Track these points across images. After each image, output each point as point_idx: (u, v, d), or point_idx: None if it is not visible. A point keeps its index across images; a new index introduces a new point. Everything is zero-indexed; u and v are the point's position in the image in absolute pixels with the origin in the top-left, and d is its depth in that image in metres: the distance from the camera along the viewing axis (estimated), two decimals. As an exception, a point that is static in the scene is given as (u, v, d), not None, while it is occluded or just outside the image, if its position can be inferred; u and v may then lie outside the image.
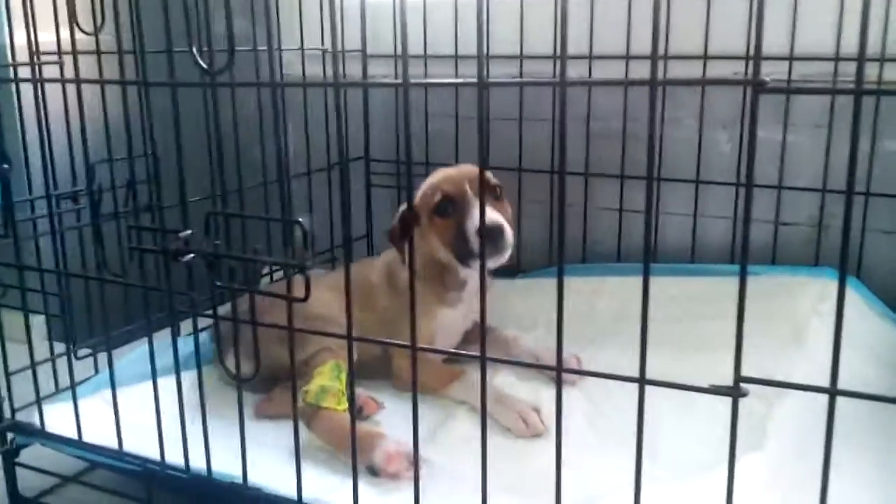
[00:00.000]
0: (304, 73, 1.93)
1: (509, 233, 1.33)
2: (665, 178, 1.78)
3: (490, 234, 1.28)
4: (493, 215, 1.32)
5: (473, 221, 1.33)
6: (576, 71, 1.82)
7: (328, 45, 1.92)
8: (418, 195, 1.45)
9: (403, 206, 1.48)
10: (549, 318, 1.73)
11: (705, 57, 1.69)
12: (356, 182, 2.03)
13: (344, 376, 1.28)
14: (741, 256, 0.72)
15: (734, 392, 0.73)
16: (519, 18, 1.82)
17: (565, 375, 0.81)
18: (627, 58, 1.75)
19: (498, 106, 1.90)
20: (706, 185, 1.77)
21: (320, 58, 1.93)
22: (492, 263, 1.32)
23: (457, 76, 1.88)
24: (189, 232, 0.89)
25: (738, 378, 0.73)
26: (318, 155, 1.88)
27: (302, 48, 1.88)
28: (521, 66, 1.84)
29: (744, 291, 0.72)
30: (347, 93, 2.02)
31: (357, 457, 1.16)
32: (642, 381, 0.76)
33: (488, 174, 1.44)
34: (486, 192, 1.38)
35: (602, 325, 1.66)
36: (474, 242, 1.33)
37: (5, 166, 0.92)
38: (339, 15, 1.89)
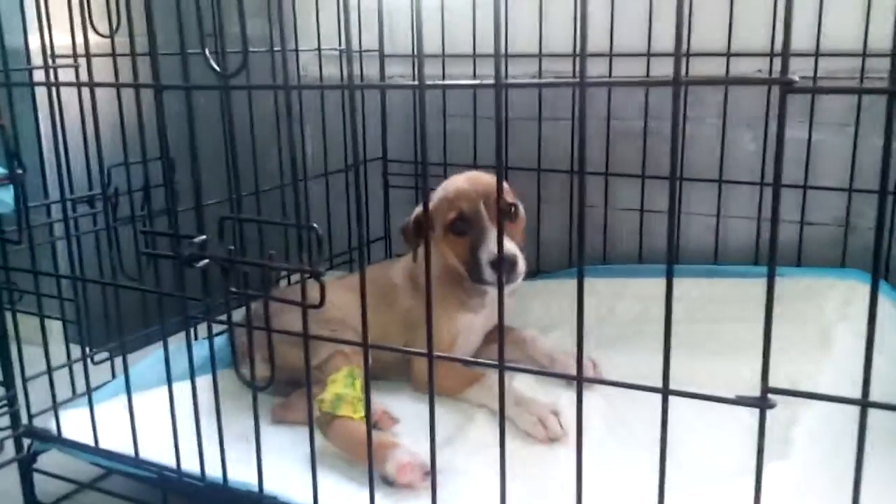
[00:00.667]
0: (321, 74, 1.92)
1: (521, 264, 1.33)
2: (687, 177, 1.75)
3: (507, 263, 1.29)
4: (507, 245, 1.31)
5: (487, 250, 1.33)
6: (596, 69, 1.79)
7: (345, 46, 1.91)
8: (434, 200, 1.43)
9: (419, 208, 1.46)
10: (568, 319, 1.71)
11: (728, 54, 1.66)
12: (374, 183, 2.02)
13: (358, 383, 1.27)
14: (769, 261, 0.69)
15: (762, 403, 0.71)
16: (537, 16, 1.80)
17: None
18: (648, 55, 1.72)
19: (516, 105, 1.88)
20: (729, 184, 1.74)
21: (338, 58, 1.92)
22: (508, 289, 1.31)
23: (475, 75, 1.86)
24: (203, 237, 0.88)
25: (766, 389, 0.71)
26: (336, 155, 1.87)
27: (319, 49, 1.87)
28: (539, 64, 1.82)
29: (771, 297, 0.70)
30: (365, 93, 2.01)
31: (364, 464, 1.15)
32: (666, 391, 0.74)
33: (504, 187, 1.42)
34: (505, 212, 1.39)
35: (622, 328, 1.63)
36: (486, 272, 1.34)
37: (20, 171, 0.91)
38: (354, 15, 1.91)
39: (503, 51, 0.74)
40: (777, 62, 1.61)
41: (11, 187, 0.93)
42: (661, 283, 1.67)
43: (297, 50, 1.92)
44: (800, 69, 1.59)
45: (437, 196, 1.44)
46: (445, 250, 1.42)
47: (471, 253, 1.36)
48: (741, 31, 1.66)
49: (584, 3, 0.70)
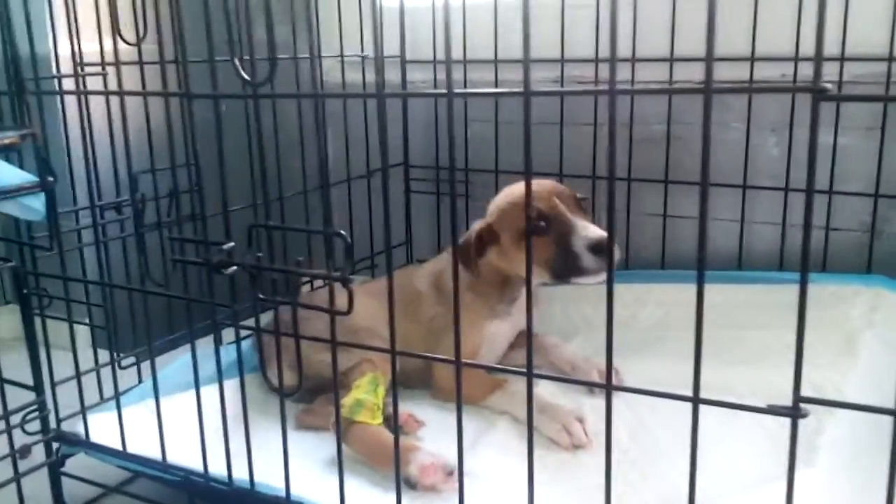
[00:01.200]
0: (343, 81, 1.93)
1: (617, 249, 1.31)
2: (712, 182, 1.73)
3: (605, 248, 1.26)
4: (599, 230, 1.31)
5: (581, 237, 1.31)
6: (618, 74, 1.79)
7: (367, 52, 1.92)
8: (494, 213, 1.43)
9: (478, 223, 1.45)
10: (589, 325, 1.71)
11: (752, 59, 1.65)
12: (394, 188, 2.02)
13: (381, 390, 1.27)
14: (801, 268, 0.69)
15: (794, 413, 0.70)
16: (559, 20, 1.79)
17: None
18: (672, 60, 1.71)
19: (538, 110, 1.87)
20: (753, 189, 1.73)
21: (359, 64, 1.93)
22: (601, 277, 1.30)
23: (496, 81, 1.85)
24: (232, 244, 0.88)
25: (798, 399, 0.70)
26: (355, 160, 1.87)
27: (342, 55, 1.88)
28: (562, 70, 1.81)
29: (804, 305, 0.70)
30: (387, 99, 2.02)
31: (392, 469, 1.15)
32: (696, 399, 0.73)
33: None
34: (577, 205, 1.39)
35: (645, 334, 1.63)
36: (585, 259, 1.31)
37: (51, 179, 0.92)
38: (378, 22, 1.91)
39: (530, 58, 0.73)
40: (802, 66, 1.60)
41: (42, 195, 0.94)
42: (683, 288, 1.68)
43: (320, 56, 1.92)
44: (825, 74, 1.58)
45: (499, 206, 1.43)
46: (515, 255, 1.40)
47: (560, 247, 1.34)
48: (764, 35, 1.65)
49: (615, 10, 0.70)
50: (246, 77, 0.88)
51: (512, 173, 1.83)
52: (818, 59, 0.65)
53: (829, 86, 0.64)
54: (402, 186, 2.02)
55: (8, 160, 0.99)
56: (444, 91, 0.79)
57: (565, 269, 1.34)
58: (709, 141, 0.71)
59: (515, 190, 1.44)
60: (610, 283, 0.76)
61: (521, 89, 0.76)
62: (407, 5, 1.89)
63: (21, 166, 1.01)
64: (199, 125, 0.97)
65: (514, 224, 1.39)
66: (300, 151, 1.67)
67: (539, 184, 1.41)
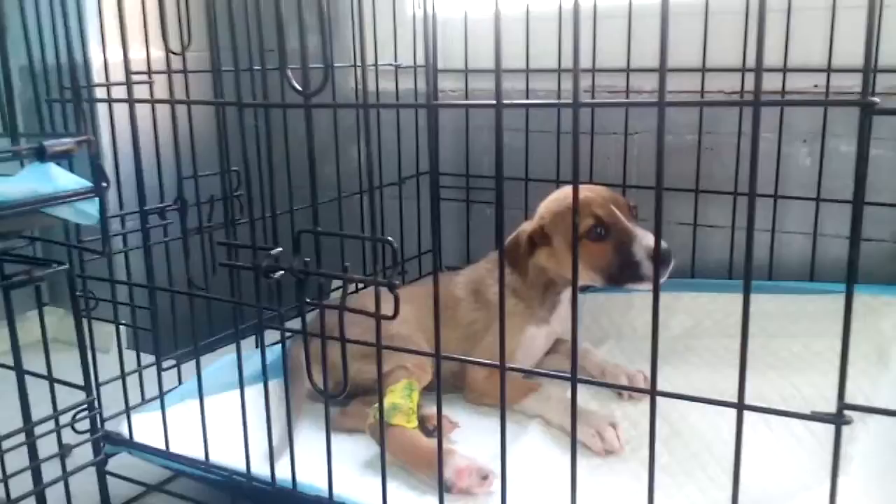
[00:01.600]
0: (376, 91, 1.95)
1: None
2: (742, 192, 1.74)
3: (664, 256, 1.32)
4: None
5: (641, 246, 1.35)
6: (648, 84, 1.80)
7: (400, 61, 1.94)
8: (547, 216, 1.46)
9: (524, 225, 1.48)
10: (618, 332, 1.72)
11: (784, 70, 1.65)
12: (421, 196, 2.03)
13: (416, 395, 1.29)
14: (847, 279, 0.71)
15: (838, 420, 0.71)
16: (591, 31, 1.80)
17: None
18: (703, 70, 1.71)
19: (565, 120, 1.88)
20: (783, 199, 1.73)
21: (391, 73, 1.95)
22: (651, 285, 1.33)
23: (527, 92, 1.86)
24: (280, 249, 0.91)
25: (842, 406, 0.71)
26: (386, 167, 1.89)
27: (376, 64, 1.89)
28: (592, 80, 1.82)
29: (849, 315, 0.71)
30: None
31: (427, 472, 1.17)
32: (741, 406, 0.75)
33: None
34: (630, 213, 1.42)
35: (675, 343, 1.63)
36: (644, 265, 1.35)
37: (104, 185, 0.95)
38: (409, 30, 1.94)
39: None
40: (834, 78, 1.61)
41: (97, 200, 0.97)
42: (713, 297, 1.67)
43: (354, 66, 1.95)
44: (852, 85, 1.59)
45: (553, 209, 1.46)
46: (563, 259, 1.44)
47: (619, 254, 1.37)
48: (796, 46, 1.66)
49: (665, 25, 0.72)
50: (298, 88, 0.90)
51: (542, 181, 1.84)
52: (866, 72, 0.66)
53: (877, 100, 0.65)
54: (431, 194, 2.03)
55: (59, 165, 1.02)
56: (495, 102, 0.81)
57: (623, 275, 1.38)
58: (757, 150, 0.73)
59: (567, 196, 1.46)
60: (656, 291, 0.77)
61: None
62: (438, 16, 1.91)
63: (71, 170, 1.04)
64: (235, 133, 1.00)
65: (566, 226, 1.42)
66: (334, 158, 1.70)
67: (594, 190, 1.44)
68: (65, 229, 1.22)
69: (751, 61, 1.65)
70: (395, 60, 1.93)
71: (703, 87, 1.72)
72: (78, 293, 1.06)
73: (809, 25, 1.65)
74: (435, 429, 1.33)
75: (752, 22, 1.65)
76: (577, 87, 0.77)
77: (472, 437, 1.31)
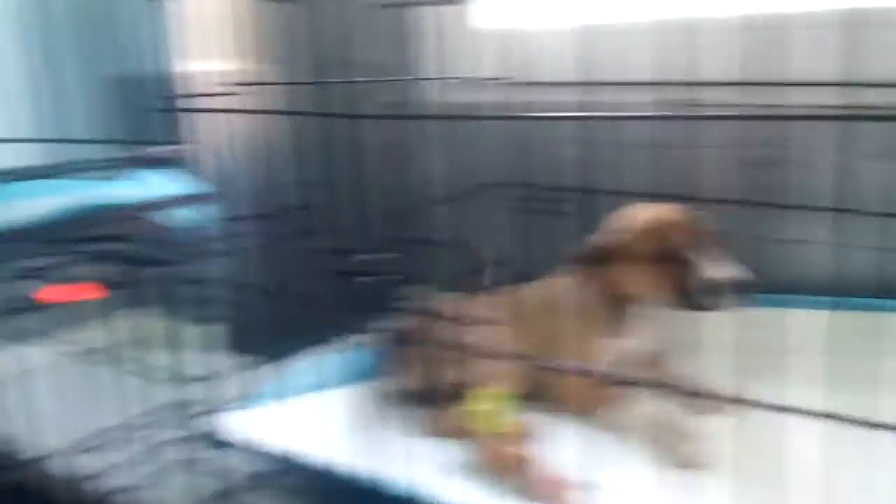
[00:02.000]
0: (443, 101, 1.97)
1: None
2: (807, 205, 1.72)
3: (727, 286, 1.33)
4: (733, 266, 1.35)
5: (706, 272, 1.36)
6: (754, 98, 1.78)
7: (465, 72, 1.96)
8: (626, 231, 1.46)
9: (602, 237, 1.49)
10: (690, 348, 1.70)
11: (847, 84, 1.63)
12: (491, 208, 2.04)
13: (501, 402, 1.30)
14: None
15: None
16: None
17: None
18: (780, 84, 1.69)
19: (625, 133, 1.87)
20: (849, 214, 1.71)
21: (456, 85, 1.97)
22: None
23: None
24: (380, 255, 0.94)
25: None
26: (451, 179, 1.90)
27: (445, 77, 1.92)
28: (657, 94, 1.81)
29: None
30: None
31: (508, 479, 1.18)
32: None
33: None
34: (703, 237, 1.41)
35: (759, 358, 1.61)
36: (721, 290, 1.35)
37: (212, 191, 1.00)
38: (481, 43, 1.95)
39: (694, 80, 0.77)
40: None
41: (199, 206, 1.01)
42: (793, 313, 1.63)
43: (423, 78, 1.98)
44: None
45: (633, 226, 1.46)
46: (640, 279, 1.45)
47: (687, 277, 1.38)
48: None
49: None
50: (392, 101, 0.94)
51: (610, 192, 1.83)
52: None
53: None
54: (504, 206, 2.02)
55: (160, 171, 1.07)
56: (584, 114, 0.83)
57: (697, 300, 1.38)
58: (848, 167, 0.73)
59: (645, 213, 1.46)
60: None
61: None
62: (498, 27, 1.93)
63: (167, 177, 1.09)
64: (307, 143, 1.03)
65: (642, 246, 1.42)
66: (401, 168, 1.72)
67: (673, 211, 1.44)
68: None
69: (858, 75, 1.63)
70: (479, 74, 1.94)
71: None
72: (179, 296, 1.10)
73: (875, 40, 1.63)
74: (522, 434, 1.36)
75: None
76: (693, 101, 0.78)
77: (555, 445, 1.32)
